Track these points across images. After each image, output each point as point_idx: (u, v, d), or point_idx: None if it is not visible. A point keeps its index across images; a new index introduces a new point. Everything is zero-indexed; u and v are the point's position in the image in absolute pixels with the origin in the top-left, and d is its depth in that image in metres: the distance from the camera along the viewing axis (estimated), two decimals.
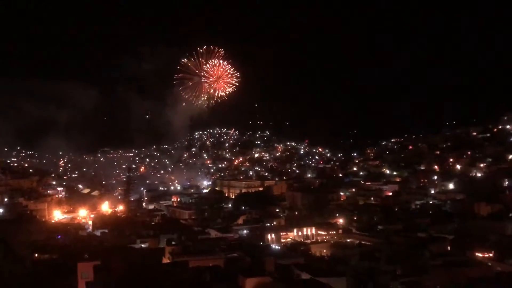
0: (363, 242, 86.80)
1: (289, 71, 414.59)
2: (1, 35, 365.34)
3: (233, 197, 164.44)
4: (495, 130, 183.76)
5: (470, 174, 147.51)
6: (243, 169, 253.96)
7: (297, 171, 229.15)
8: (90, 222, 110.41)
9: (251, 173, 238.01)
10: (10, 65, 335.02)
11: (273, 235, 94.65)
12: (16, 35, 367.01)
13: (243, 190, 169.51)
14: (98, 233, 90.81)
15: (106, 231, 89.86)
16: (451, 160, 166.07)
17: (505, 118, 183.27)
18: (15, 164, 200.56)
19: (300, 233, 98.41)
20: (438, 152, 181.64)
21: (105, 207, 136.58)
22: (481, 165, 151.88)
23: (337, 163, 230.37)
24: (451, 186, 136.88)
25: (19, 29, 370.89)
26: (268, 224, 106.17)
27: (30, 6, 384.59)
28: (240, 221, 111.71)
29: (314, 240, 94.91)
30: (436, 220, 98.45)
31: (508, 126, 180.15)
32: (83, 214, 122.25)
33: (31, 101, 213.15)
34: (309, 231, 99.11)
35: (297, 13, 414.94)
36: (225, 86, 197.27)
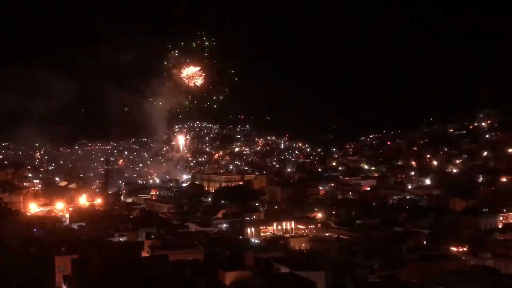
0: (342, 236, 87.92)
1: (270, 65, 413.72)
2: None
3: (213, 191, 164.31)
4: (471, 127, 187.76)
5: (446, 170, 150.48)
6: (223, 163, 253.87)
7: (277, 165, 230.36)
8: (67, 215, 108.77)
9: (231, 167, 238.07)
10: None
11: (252, 229, 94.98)
12: None
13: (223, 184, 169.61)
14: (75, 226, 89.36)
15: (84, 224, 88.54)
16: (428, 156, 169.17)
17: (481, 115, 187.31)
18: None
19: (279, 227, 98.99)
20: (415, 148, 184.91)
21: (83, 200, 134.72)
22: (457, 161, 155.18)
23: (317, 158, 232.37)
24: (427, 181, 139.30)
25: None
26: (248, 218, 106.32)
27: None
28: (219, 215, 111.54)
29: (293, 234, 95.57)
30: (412, 215, 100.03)
31: (483, 123, 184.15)
32: (60, 207, 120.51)
33: (6, 91, 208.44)
34: (289, 225, 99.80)
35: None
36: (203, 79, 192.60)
